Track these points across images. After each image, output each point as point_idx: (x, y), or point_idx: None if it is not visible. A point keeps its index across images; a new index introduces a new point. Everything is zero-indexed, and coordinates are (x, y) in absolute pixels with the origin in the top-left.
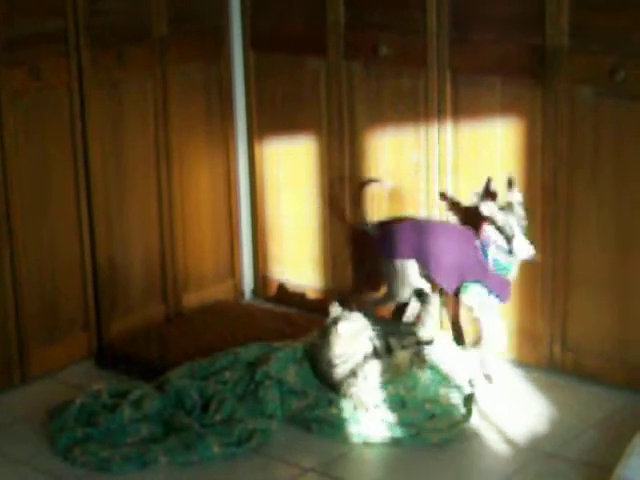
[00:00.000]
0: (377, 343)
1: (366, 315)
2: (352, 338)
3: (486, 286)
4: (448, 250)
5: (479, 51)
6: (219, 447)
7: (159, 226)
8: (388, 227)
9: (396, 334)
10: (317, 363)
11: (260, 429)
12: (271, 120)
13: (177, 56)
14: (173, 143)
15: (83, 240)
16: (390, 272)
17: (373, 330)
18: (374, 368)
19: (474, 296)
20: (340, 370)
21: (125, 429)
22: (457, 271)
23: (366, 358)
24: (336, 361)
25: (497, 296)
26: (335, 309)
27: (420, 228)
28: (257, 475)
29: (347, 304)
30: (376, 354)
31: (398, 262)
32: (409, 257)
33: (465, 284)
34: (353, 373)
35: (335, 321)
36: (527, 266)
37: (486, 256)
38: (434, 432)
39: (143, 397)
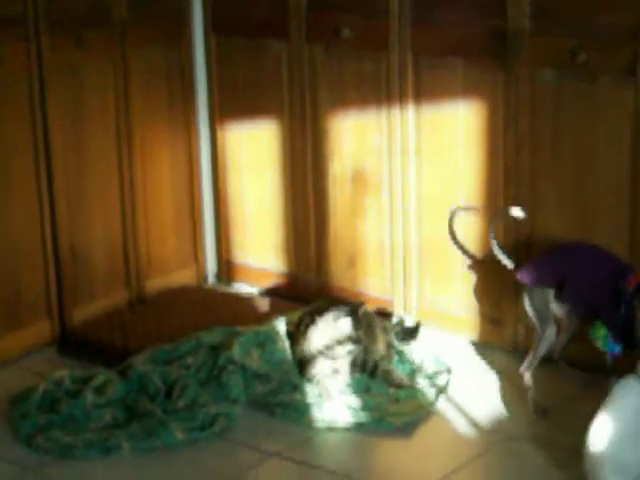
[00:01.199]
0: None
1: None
2: (334, 334)
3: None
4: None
5: (441, 33)
6: (182, 433)
7: (121, 211)
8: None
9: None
10: (297, 350)
11: (224, 414)
12: (233, 104)
13: (138, 40)
14: (134, 128)
15: (44, 226)
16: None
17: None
18: (346, 360)
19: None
20: (319, 365)
21: (88, 415)
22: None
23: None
24: (316, 355)
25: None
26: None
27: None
28: (221, 460)
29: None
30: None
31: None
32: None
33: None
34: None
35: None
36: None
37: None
38: (398, 416)
39: (106, 383)
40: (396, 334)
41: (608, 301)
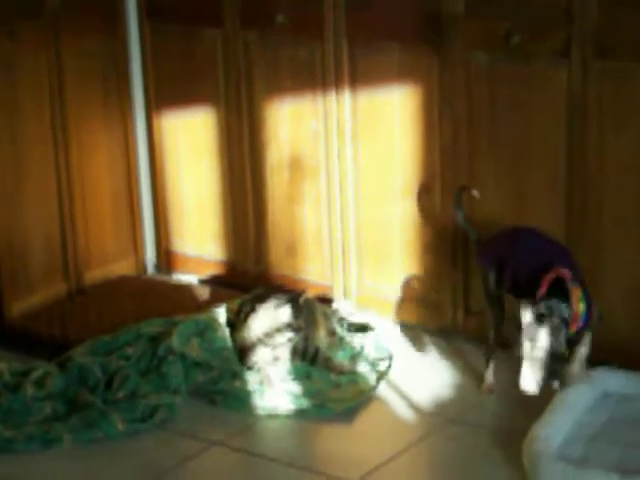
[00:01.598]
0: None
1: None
2: (273, 322)
3: None
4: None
5: (376, 19)
6: (123, 424)
7: (59, 203)
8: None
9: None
10: (237, 338)
11: (164, 404)
12: (169, 93)
13: (72, 30)
14: (70, 119)
15: None
16: None
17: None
18: (286, 348)
19: None
20: (260, 353)
21: (28, 408)
22: None
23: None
24: (256, 343)
25: None
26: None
27: None
28: (163, 450)
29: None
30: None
31: None
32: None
33: None
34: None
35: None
36: (428, 231)
37: None
38: (339, 402)
39: (45, 376)
40: (347, 328)
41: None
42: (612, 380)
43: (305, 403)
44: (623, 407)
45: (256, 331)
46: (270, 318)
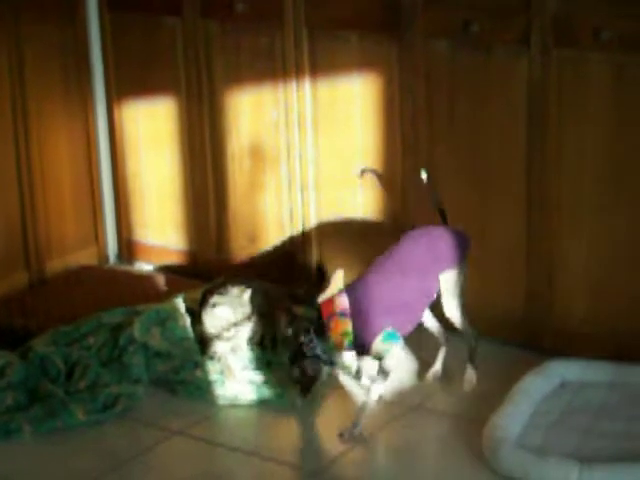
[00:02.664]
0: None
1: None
2: (230, 313)
3: None
4: None
5: (335, 7)
6: (83, 414)
7: (19, 192)
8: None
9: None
10: (198, 328)
11: (125, 394)
12: (129, 81)
13: (31, 17)
14: (30, 106)
15: None
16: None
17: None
18: (244, 336)
19: None
20: (220, 342)
21: None
22: None
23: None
24: (217, 332)
25: None
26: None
27: None
28: (124, 440)
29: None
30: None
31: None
32: None
33: None
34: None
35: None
36: (388, 219)
37: None
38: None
39: (6, 366)
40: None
41: None
42: (569, 369)
43: (266, 392)
44: (580, 395)
45: (217, 321)
46: (231, 307)
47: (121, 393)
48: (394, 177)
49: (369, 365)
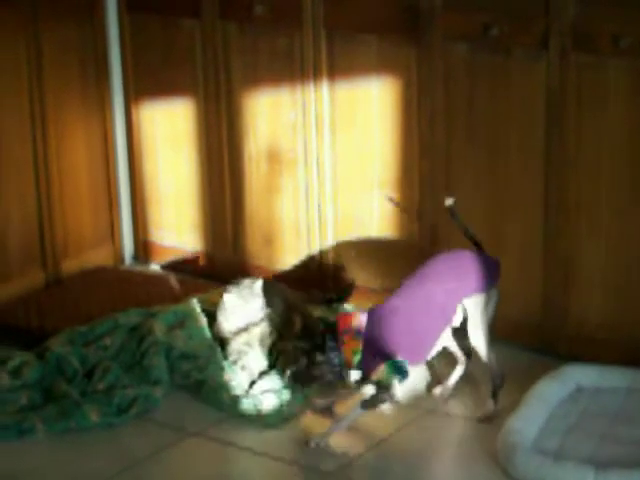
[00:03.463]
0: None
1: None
2: (241, 310)
3: None
4: None
5: (354, 9)
6: (97, 416)
7: (36, 192)
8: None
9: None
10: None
11: (142, 395)
12: (148, 82)
13: (50, 17)
14: (48, 106)
15: None
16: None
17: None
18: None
19: None
20: (234, 344)
21: (4, 398)
22: None
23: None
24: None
25: None
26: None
27: None
28: (138, 440)
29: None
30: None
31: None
32: None
33: None
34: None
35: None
36: (405, 222)
37: None
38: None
39: (22, 365)
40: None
41: None
42: (585, 374)
43: (287, 396)
44: (597, 400)
45: (234, 321)
46: (240, 295)
47: (138, 395)
48: (411, 180)
49: (368, 390)
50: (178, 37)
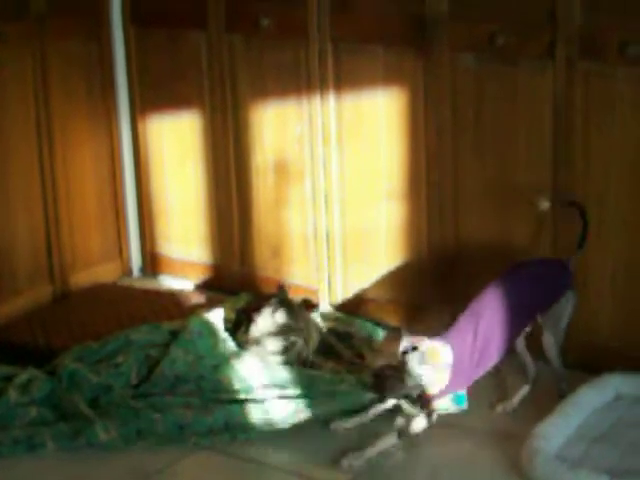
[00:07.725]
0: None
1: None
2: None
3: None
4: None
5: (360, 21)
6: (106, 434)
7: (43, 206)
8: None
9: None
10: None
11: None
12: (154, 96)
13: (57, 33)
14: (55, 121)
15: None
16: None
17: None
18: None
19: None
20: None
21: (13, 412)
22: None
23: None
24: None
25: None
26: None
27: None
28: (149, 453)
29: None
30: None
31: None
32: None
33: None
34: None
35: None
36: (413, 234)
37: None
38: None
39: (30, 381)
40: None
41: None
42: (625, 382)
43: (311, 406)
44: (633, 410)
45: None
46: (268, 325)
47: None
48: (419, 192)
49: (418, 422)
50: (184, 51)
